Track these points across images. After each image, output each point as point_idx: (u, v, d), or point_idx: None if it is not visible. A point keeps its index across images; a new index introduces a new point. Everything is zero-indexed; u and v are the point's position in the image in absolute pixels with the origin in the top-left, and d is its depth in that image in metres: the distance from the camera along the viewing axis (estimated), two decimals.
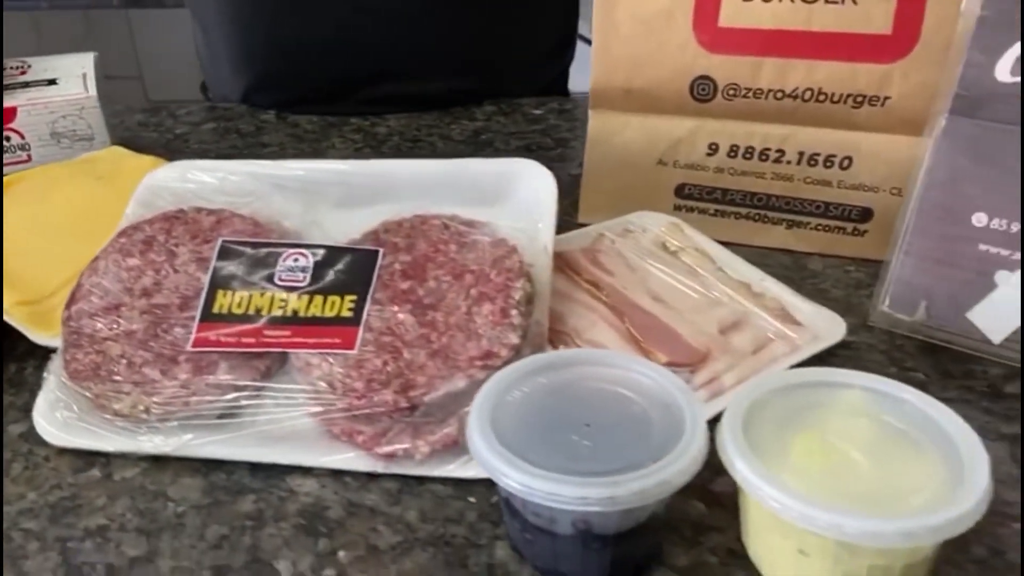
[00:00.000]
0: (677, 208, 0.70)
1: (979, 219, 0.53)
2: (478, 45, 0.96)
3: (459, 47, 0.95)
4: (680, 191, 0.70)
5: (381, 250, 0.53)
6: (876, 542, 0.34)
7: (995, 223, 0.52)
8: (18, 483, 0.48)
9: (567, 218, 0.70)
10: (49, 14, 2.17)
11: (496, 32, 0.96)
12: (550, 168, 0.58)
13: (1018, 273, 0.52)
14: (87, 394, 0.50)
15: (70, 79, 0.80)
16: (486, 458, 0.39)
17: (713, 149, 0.68)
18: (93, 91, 0.79)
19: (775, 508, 0.36)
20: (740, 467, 0.37)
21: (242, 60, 0.96)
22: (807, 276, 0.65)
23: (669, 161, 0.70)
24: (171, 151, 0.88)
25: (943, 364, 0.55)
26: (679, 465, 0.37)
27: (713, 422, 0.40)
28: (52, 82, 0.80)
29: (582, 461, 0.38)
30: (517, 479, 0.37)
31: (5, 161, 0.78)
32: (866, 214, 0.66)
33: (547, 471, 0.37)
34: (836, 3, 0.61)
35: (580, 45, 1.09)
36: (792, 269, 0.66)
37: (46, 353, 0.54)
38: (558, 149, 0.87)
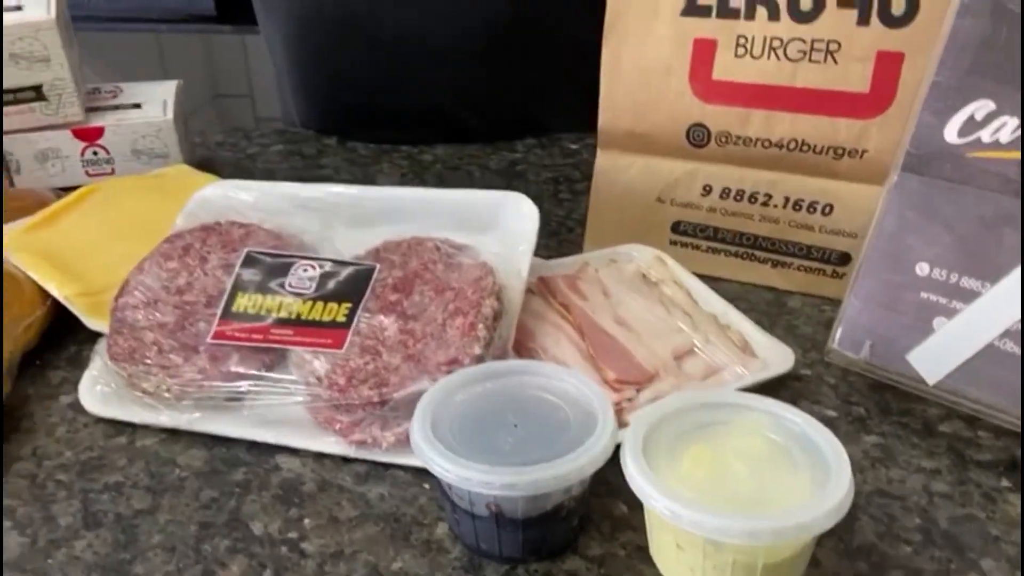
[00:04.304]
0: (672, 243, 0.76)
1: (922, 269, 0.57)
2: (522, 88, 1.03)
3: (504, 88, 1.02)
4: (676, 227, 0.76)
5: (378, 265, 0.61)
6: (723, 538, 0.39)
7: (936, 273, 0.56)
8: (60, 443, 0.57)
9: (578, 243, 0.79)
10: (170, 37, 2.36)
11: (540, 76, 1.03)
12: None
13: (955, 320, 0.55)
14: (123, 373, 0.59)
15: (153, 103, 0.92)
16: (418, 445, 0.45)
17: (707, 190, 0.74)
18: (170, 115, 0.89)
19: (653, 506, 0.41)
20: (630, 468, 0.43)
21: (302, 91, 1.06)
22: (784, 312, 0.69)
23: (667, 199, 0.75)
24: (241, 169, 0.99)
25: (886, 401, 0.59)
26: (575, 463, 0.43)
27: None
28: (137, 106, 0.91)
29: (503, 455, 0.45)
30: (439, 464, 0.44)
31: (93, 172, 0.89)
32: (844, 258, 0.70)
33: (467, 460, 0.44)
34: (819, 63, 0.66)
35: None
36: (772, 305, 0.70)
37: (99, 337, 0.63)
38: (584, 182, 0.94)
